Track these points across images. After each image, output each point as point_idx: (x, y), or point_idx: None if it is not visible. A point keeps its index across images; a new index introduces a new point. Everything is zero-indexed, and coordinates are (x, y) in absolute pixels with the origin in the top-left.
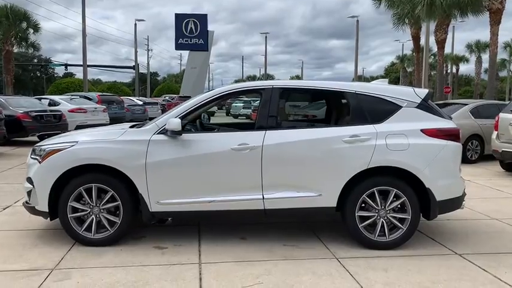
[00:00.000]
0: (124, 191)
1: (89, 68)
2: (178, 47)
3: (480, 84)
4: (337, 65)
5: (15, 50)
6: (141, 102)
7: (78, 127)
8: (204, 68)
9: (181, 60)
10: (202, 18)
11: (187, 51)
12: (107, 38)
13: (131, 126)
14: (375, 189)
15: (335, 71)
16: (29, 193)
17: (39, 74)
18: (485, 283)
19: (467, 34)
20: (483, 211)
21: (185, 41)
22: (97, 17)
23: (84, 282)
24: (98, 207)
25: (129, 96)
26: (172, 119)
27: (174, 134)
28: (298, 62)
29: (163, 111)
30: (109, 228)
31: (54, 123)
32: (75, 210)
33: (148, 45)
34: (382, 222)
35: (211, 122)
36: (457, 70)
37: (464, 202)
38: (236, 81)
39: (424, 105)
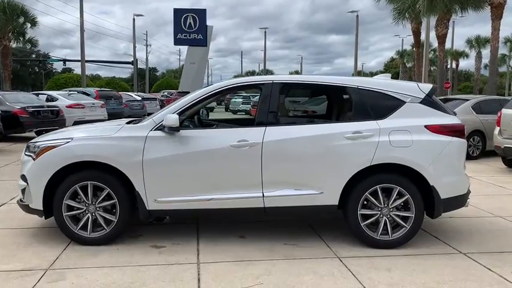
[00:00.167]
0: (120, 188)
1: (87, 64)
2: (177, 42)
3: (480, 80)
4: (337, 60)
5: (14, 45)
6: (139, 98)
7: (76, 123)
8: (203, 63)
9: (180, 56)
10: (201, 13)
11: (186, 47)
12: (105, 33)
13: (128, 122)
14: (377, 186)
15: (334, 66)
16: (23, 191)
17: (37, 70)
18: (492, 284)
19: (467, 29)
20: (487, 208)
21: (184, 36)
22: (95, 12)
23: (79, 283)
24: (94, 206)
25: (128, 91)
26: (169, 115)
27: (172, 130)
28: (297, 57)
29: (162, 106)
30: (105, 227)
31: (52, 119)
32: (70, 208)
33: (147, 40)
34: (385, 220)
35: (210, 117)
36: (457, 65)
37: (468, 200)
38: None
39: (428, 101)
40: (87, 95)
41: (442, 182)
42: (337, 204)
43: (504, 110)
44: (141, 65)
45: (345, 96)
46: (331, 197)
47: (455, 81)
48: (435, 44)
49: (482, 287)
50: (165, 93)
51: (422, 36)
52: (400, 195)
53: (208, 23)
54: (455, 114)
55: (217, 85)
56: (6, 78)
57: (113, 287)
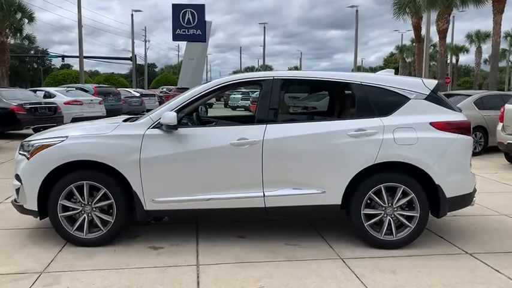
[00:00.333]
0: (117, 188)
1: (86, 60)
2: (176, 37)
3: (480, 75)
4: (336, 56)
5: (12, 41)
6: (138, 94)
7: (74, 119)
8: (201, 59)
9: (179, 52)
10: (199, 9)
11: (185, 42)
12: (104, 29)
13: (125, 120)
14: (381, 185)
15: (333, 62)
16: (17, 191)
17: (36, 66)
18: (501, 286)
19: (466, 24)
20: (491, 206)
21: (182, 31)
22: (94, 7)
23: (74, 287)
24: (90, 206)
25: (127, 87)
26: (167, 113)
27: (170, 128)
28: (297, 52)
29: (161, 103)
30: (102, 228)
31: (49, 116)
32: (65, 209)
33: (145, 36)
34: (389, 220)
35: (209, 114)
36: (457, 60)
37: (475, 198)
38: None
39: (433, 97)
40: (85, 91)
41: (448, 180)
42: (339, 203)
43: (507, 106)
44: (140, 61)
45: (348, 93)
46: (334, 196)
47: (455, 77)
48: (435, 39)
49: None
50: (164, 89)
51: (423, 31)
52: (404, 194)
53: (207, 18)
54: (460, 110)
55: (217, 82)
56: (3, 74)
57: None
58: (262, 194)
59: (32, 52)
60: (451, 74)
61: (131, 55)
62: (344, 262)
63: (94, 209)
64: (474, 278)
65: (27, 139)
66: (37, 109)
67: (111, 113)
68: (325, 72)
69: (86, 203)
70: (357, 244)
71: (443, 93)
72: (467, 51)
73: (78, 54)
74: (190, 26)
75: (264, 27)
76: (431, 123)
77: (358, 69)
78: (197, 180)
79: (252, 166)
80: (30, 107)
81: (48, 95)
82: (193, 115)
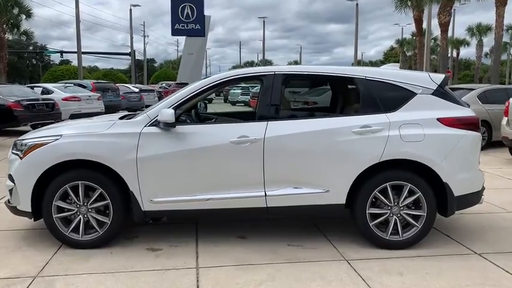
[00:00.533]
0: (113, 188)
1: (85, 55)
2: (175, 32)
3: (480, 68)
4: (336, 50)
5: (10, 37)
6: (137, 90)
7: (73, 116)
8: (201, 54)
9: (178, 47)
10: (198, 3)
11: (184, 37)
12: (102, 24)
13: (121, 118)
14: (387, 184)
15: (333, 56)
16: (10, 191)
17: (35, 62)
18: None
19: (467, 17)
20: (498, 203)
21: (181, 26)
22: (92, 2)
23: None
24: (86, 207)
25: (126, 83)
26: (164, 110)
27: (167, 126)
28: (296, 47)
29: (160, 98)
30: (98, 229)
31: (47, 112)
32: (60, 210)
33: (144, 31)
34: (395, 219)
35: (208, 110)
36: (458, 54)
37: (483, 197)
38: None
39: (440, 92)
40: (84, 87)
41: (456, 178)
42: (344, 203)
43: None
44: (139, 56)
45: (352, 88)
46: (338, 195)
47: (455, 70)
48: (435, 33)
49: None
50: (163, 84)
51: (424, 25)
52: (411, 192)
53: (206, 12)
54: (468, 105)
55: (216, 77)
56: (1, 70)
57: None
58: (263, 193)
59: (31, 48)
60: (452, 68)
61: (130, 50)
62: (349, 264)
63: (90, 210)
64: (485, 279)
65: (20, 138)
66: (34, 106)
67: (109, 109)
68: (328, 67)
69: (82, 203)
70: (362, 244)
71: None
72: (468, 44)
73: (76, 50)
74: (189, 20)
75: (264, 22)
76: (438, 119)
77: (358, 63)
78: (196, 179)
79: (253, 165)
80: (27, 103)
81: (46, 91)
82: (192, 112)
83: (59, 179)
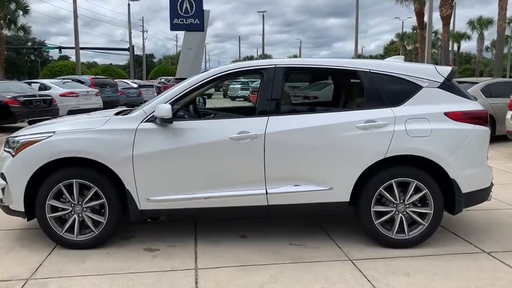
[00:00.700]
0: (109, 187)
1: (84, 51)
2: (174, 27)
3: (481, 62)
4: (335, 44)
5: (8, 33)
6: (135, 85)
7: (71, 112)
8: (200, 49)
9: (177, 42)
10: None
11: (183, 32)
12: (101, 20)
13: (116, 113)
14: (393, 181)
15: (333, 50)
16: (2, 190)
17: (33, 58)
18: None
19: (467, 11)
20: (504, 199)
21: (180, 21)
22: None
23: None
24: (81, 206)
25: (125, 78)
26: (161, 105)
27: (164, 122)
28: (296, 41)
29: (159, 93)
30: (93, 229)
31: (44, 108)
32: (54, 209)
33: (143, 26)
34: (401, 217)
35: (207, 105)
36: (458, 48)
37: (491, 193)
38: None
39: (447, 85)
40: (82, 83)
41: (464, 174)
42: (348, 201)
43: None
44: (138, 52)
45: (356, 81)
46: (342, 193)
47: (456, 64)
48: (436, 26)
49: None
50: (162, 79)
51: (426, 18)
52: (417, 190)
53: (205, 7)
54: (476, 99)
55: (215, 71)
56: None
57: None
58: (264, 191)
59: (29, 44)
60: (453, 62)
61: (129, 46)
62: (354, 264)
63: (85, 209)
64: (495, 280)
65: (12, 135)
66: (31, 102)
67: (108, 104)
68: (331, 60)
69: (76, 202)
70: (366, 243)
71: None
72: (468, 38)
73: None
74: (188, 15)
75: (263, 16)
76: (445, 114)
77: (359, 57)
78: (194, 177)
79: (253, 162)
80: (24, 99)
81: (43, 87)
82: (190, 107)
83: (52, 177)
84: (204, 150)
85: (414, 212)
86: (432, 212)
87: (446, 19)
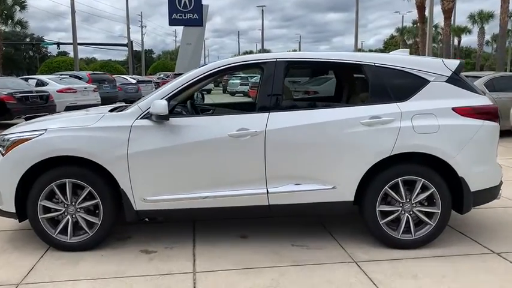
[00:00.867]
0: (103, 187)
1: (82, 47)
2: (172, 22)
3: (482, 56)
4: (335, 39)
5: (6, 29)
6: (134, 81)
7: (68, 108)
8: (199, 44)
9: (176, 37)
10: None
11: (182, 27)
12: (100, 15)
13: (111, 110)
14: (399, 179)
15: (332, 45)
16: None
17: (32, 54)
18: None
19: (467, 5)
20: (511, 196)
21: (179, 16)
22: None
23: None
24: (74, 206)
25: (123, 74)
26: (157, 101)
27: (160, 118)
28: (295, 36)
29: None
30: (87, 231)
31: (41, 105)
32: (47, 210)
33: (141, 21)
34: (407, 217)
35: (206, 101)
36: (459, 42)
37: (501, 191)
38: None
39: (455, 79)
40: (80, 78)
41: (473, 172)
42: (352, 200)
43: None
44: (137, 47)
45: (360, 75)
46: (346, 192)
47: (457, 58)
48: (436, 20)
49: None
50: (161, 75)
51: (427, 12)
52: (424, 188)
53: (204, 2)
54: (484, 93)
55: (213, 65)
56: None
57: None
58: (265, 190)
59: (28, 40)
60: (453, 56)
61: (127, 41)
62: (359, 266)
63: (78, 210)
64: (506, 283)
65: (3, 132)
66: (28, 98)
67: (106, 100)
68: (334, 53)
69: (69, 203)
70: (371, 244)
71: None
72: (469, 32)
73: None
74: (186, 10)
75: (262, 11)
76: (453, 109)
77: (359, 51)
78: (192, 176)
79: (253, 160)
80: (20, 95)
81: (40, 83)
82: (188, 103)
83: (44, 177)
84: (202, 148)
85: (421, 212)
86: (440, 211)
87: (447, 12)
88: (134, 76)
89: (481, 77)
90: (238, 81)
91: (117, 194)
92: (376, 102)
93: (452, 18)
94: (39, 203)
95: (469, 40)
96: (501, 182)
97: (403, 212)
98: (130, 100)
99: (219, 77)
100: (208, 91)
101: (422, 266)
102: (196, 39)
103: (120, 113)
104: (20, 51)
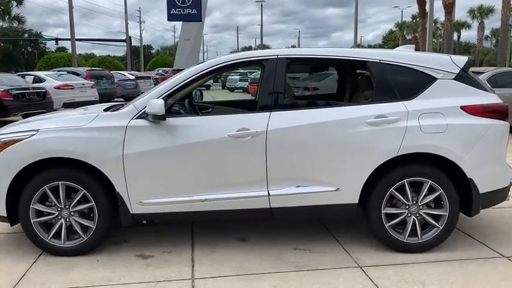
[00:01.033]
0: (98, 189)
1: (81, 43)
2: (171, 17)
3: (481, 51)
4: (334, 34)
5: (4, 25)
6: (132, 77)
7: (66, 105)
8: (198, 39)
9: (174, 32)
10: None
11: (181, 23)
12: (98, 11)
13: (106, 109)
14: (405, 180)
15: (331, 40)
16: None
17: (30, 50)
18: None
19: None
20: None
21: (178, 11)
22: None
23: None
24: (68, 210)
25: (122, 70)
26: (153, 100)
27: (156, 118)
28: (294, 31)
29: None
30: (82, 235)
31: (38, 102)
32: (39, 213)
33: (140, 17)
34: (414, 220)
35: (204, 98)
36: (459, 37)
37: (510, 193)
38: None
39: (463, 76)
40: (77, 75)
41: (482, 173)
42: (356, 202)
43: None
44: (135, 43)
45: (365, 73)
46: (350, 194)
47: (456, 54)
48: (436, 15)
49: None
50: (160, 71)
51: (427, 7)
52: (431, 190)
53: None
54: (493, 91)
55: (212, 62)
56: None
57: None
58: (266, 193)
59: (26, 35)
60: (453, 51)
61: (126, 37)
62: (363, 271)
63: (72, 213)
64: None
65: None
66: (25, 95)
67: (104, 96)
68: (337, 49)
69: (63, 206)
70: (376, 248)
71: None
72: (469, 27)
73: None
74: (185, 5)
75: (261, 6)
76: (462, 107)
77: (358, 47)
78: (190, 178)
79: (254, 161)
80: (17, 92)
81: (37, 80)
82: (186, 101)
83: (36, 179)
84: (200, 149)
85: (428, 214)
86: (447, 213)
87: (448, 7)
88: (132, 72)
89: (483, 72)
90: (237, 77)
91: (112, 197)
92: (381, 100)
93: (452, 13)
94: (31, 206)
95: (468, 35)
96: (511, 183)
97: (409, 215)
98: (129, 96)
99: (218, 74)
100: (207, 87)
101: (429, 271)
102: (195, 35)
103: (115, 113)
104: (18, 47)
